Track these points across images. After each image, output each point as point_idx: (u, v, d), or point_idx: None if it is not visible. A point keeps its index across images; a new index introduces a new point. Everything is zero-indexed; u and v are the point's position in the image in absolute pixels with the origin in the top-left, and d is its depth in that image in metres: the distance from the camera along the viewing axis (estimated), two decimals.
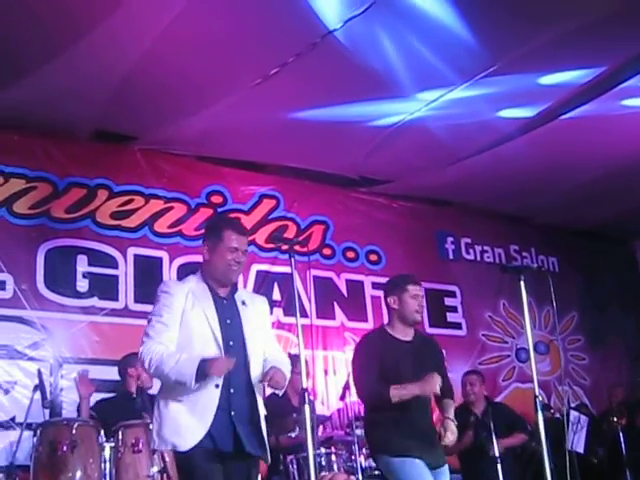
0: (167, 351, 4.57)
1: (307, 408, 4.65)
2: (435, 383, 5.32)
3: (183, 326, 4.68)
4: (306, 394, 4.71)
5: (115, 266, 8.27)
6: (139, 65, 6.95)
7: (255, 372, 4.77)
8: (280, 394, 5.43)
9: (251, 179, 9.51)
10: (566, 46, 6.99)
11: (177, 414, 4.57)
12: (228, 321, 4.78)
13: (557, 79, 7.77)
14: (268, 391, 5.09)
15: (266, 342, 4.97)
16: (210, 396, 4.59)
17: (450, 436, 5.50)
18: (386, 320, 5.92)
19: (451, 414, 5.64)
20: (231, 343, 4.72)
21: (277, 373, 4.73)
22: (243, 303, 4.93)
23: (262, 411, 4.83)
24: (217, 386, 4.60)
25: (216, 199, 9.14)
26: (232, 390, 4.65)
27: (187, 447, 4.50)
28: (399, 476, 5.30)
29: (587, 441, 7.50)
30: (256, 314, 4.98)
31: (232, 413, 4.64)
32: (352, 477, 1.94)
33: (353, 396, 6.96)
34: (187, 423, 4.55)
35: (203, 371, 4.45)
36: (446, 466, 5.59)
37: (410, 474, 5.22)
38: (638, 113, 8.53)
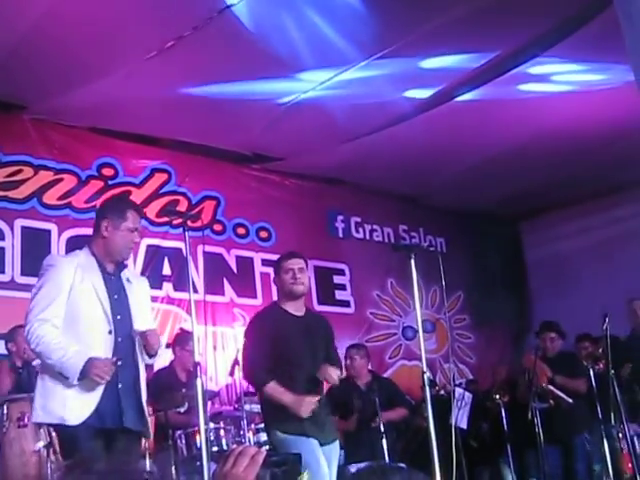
0: (54, 338, 4.58)
1: (199, 382, 4.66)
2: (309, 409, 5.43)
3: (71, 299, 4.68)
4: (198, 368, 4.73)
5: (2, 238, 8.06)
6: (28, 37, 6.80)
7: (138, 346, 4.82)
8: (151, 361, 5.45)
9: (143, 152, 9.40)
10: (460, 30, 7.12)
11: (65, 387, 4.56)
12: (116, 296, 4.83)
13: (449, 62, 7.90)
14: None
15: (145, 321, 5.03)
16: None
17: (332, 374, 5.63)
18: (275, 297, 6.06)
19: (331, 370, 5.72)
20: (119, 317, 4.77)
21: (152, 334, 4.82)
22: (128, 280, 5.01)
23: (143, 386, 4.86)
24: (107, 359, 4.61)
25: (107, 171, 8.99)
26: (120, 363, 4.66)
27: (76, 422, 4.48)
28: (293, 452, 5.38)
29: (470, 417, 7.69)
30: (140, 292, 5.07)
31: (119, 386, 4.66)
32: (263, 449, 1.96)
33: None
34: (75, 397, 4.53)
35: (86, 372, 4.48)
36: (337, 442, 5.74)
37: (304, 451, 5.30)
38: (527, 98, 8.75)
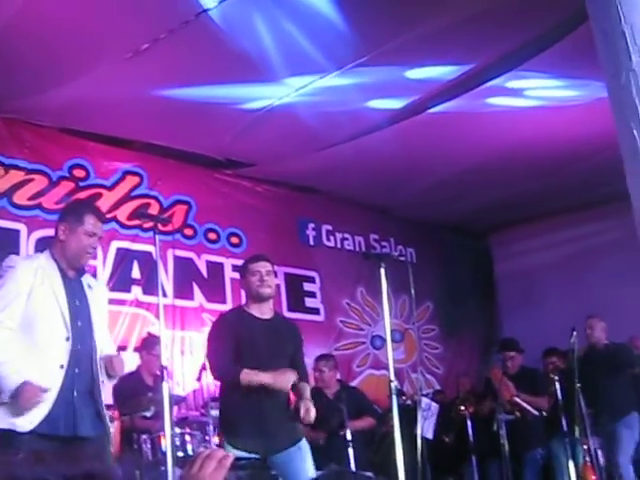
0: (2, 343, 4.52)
1: (166, 386, 4.65)
2: (289, 379, 5.49)
3: (30, 302, 4.61)
4: (165, 372, 4.72)
5: None
6: (0, 35, 6.72)
7: (100, 354, 4.78)
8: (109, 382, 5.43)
9: (115, 155, 9.33)
10: (438, 42, 7.15)
11: None
12: (77, 302, 4.78)
13: (426, 73, 7.93)
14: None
15: (102, 328, 5.02)
16: (54, 376, 4.54)
17: (307, 415, 5.60)
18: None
19: (307, 395, 5.75)
20: (79, 324, 4.72)
21: (118, 361, 4.83)
22: (89, 286, 4.97)
23: (104, 393, 4.83)
24: (62, 367, 4.57)
25: (78, 173, 8.91)
26: (77, 370, 4.62)
27: (26, 428, 4.43)
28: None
29: (437, 428, 7.72)
30: (100, 299, 5.04)
31: (74, 394, 4.62)
32: (230, 454, 1.95)
33: (209, 377, 6.98)
34: None
35: (17, 395, 4.41)
36: (300, 442, 5.70)
37: None
38: (500, 112, 8.80)
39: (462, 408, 8.89)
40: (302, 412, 5.58)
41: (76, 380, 4.62)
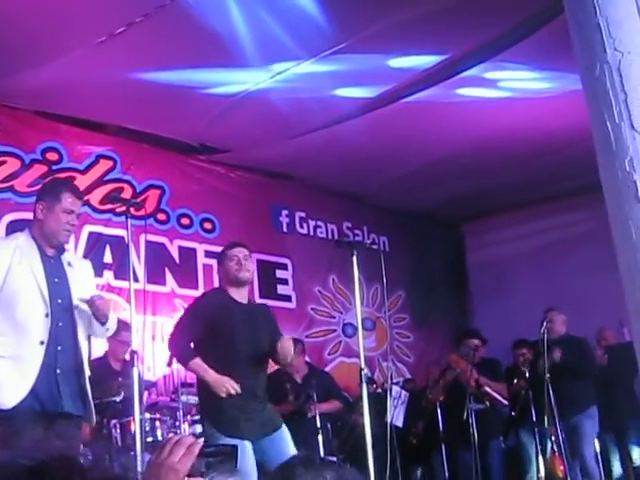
0: None
1: (136, 371, 4.65)
2: (227, 389, 5.46)
3: (7, 281, 4.63)
4: (135, 357, 4.71)
5: None
6: None
7: (81, 331, 4.76)
8: (106, 332, 5.43)
9: (89, 138, 9.28)
10: (414, 31, 7.17)
11: None
12: (56, 280, 4.79)
13: (402, 63, 7.94)
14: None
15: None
16: (34, 352, 4.55)
17: (285, 343, 5.69)
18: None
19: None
20: (59, 301, 4.73)
21: (99, 299, 4.91)
22: (69, 264, 4.97)
23: (87, 371, 4.82)
24: (42, 343, 4.56)
25: (51, 156, 8.85)
26: (59, 348, 4.62)
27: (9, 405, 4.43)
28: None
29: (406, 416, 7.75)
30: (82, 275, 5.03)
31: (57, 371, 4.62)
32: (200, 440, 1.94)
33: None
34: (9, 379, 4.48)
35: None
36: (282, 428, 5.74)
37: None
38: (473, 102, 8.83)
39: (430, 396, 8.95)
40: (279, 347, 5.62)
41: (59, 357, 4.64)
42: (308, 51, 7.59)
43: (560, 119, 8.92)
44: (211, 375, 5.47)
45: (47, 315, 4.66)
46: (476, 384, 8.38)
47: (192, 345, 5.70)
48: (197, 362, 5.52)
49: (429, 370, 10.51)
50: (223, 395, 5.44)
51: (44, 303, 4.66)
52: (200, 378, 5.56)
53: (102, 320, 4.89)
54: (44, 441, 4.44)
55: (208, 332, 5.59)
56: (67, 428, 4.69)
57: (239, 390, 5.49)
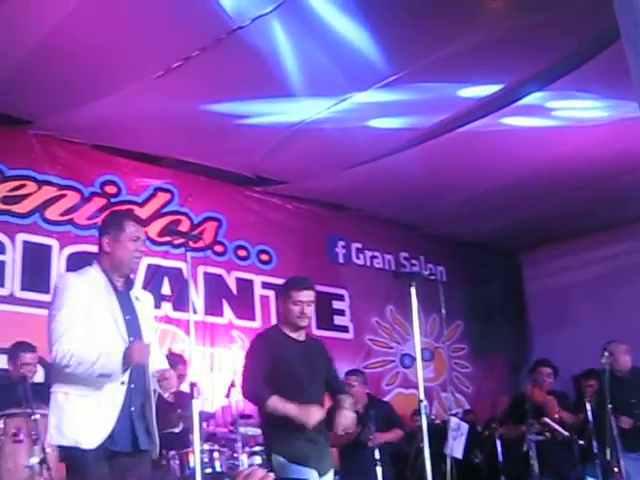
0: (84, 349, 4.47)
1: (196, 402, 4.64)
2: (313, 416, 5.37)
3: (86, 320, 4.58)
4: (195, 388, 4.70)
5: (2, 252, 8.03)
6: (36, 52, 6.79)
7: (151, 368, 4.76)
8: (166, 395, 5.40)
9: (146, 171, 9.40)
10: (468, 61, 7.14)
11: (81, 410, 4.49)
12: (128, 317, 4.75)
13: (460, 93, 7.93)
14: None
15: (150, 339, 4.97)
16: (116, 393, 4.55)
17: (340, 419, 5.53)
18: (274, 320, 5.99)
19: (346, 405, 5.66)
20: (132, 339, 4.68)
21: (171, 375, 4.76)
22: (137, 298, 4.93)
23: (153, 407, 4.81)
24: (123, 383, 4.56)
25: (110, 189, 8.98)
26: (133, 385, 4.62)
27: (90, 446, 4.41)
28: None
29: (466, 448, 7.65)
30: (147, 310, 5.00)
31: (132, 409, 4.61)
32: (271, 474, 1.93)
33: (238, 394, 6.97)
34: (92, 420, 4.46)
35: (127, 360, 4.45)
36: (332, 471, 5.67)
37: None
38: (527, 130, 8.75)
39: (494, 426, 8.85)
40: (337, 419, 5.52)
41: (133, 395, 4.62)
42: (361, 83, 7.61)
43: (617, 146, 8.84)
44: (294, 407, 5.33)
45: None
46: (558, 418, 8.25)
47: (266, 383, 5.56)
48: (275, 399, 5.35)
49: (497, 400, 10.40)
50: (312, 423, 5.32)
51: (123, 341, 4.62)
52: (282, 414, 5.34)
53: (164, 391, 4.86)
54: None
55: (272, 372, 5.50)
56: (140, 466, 4.68)
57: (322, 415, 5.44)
